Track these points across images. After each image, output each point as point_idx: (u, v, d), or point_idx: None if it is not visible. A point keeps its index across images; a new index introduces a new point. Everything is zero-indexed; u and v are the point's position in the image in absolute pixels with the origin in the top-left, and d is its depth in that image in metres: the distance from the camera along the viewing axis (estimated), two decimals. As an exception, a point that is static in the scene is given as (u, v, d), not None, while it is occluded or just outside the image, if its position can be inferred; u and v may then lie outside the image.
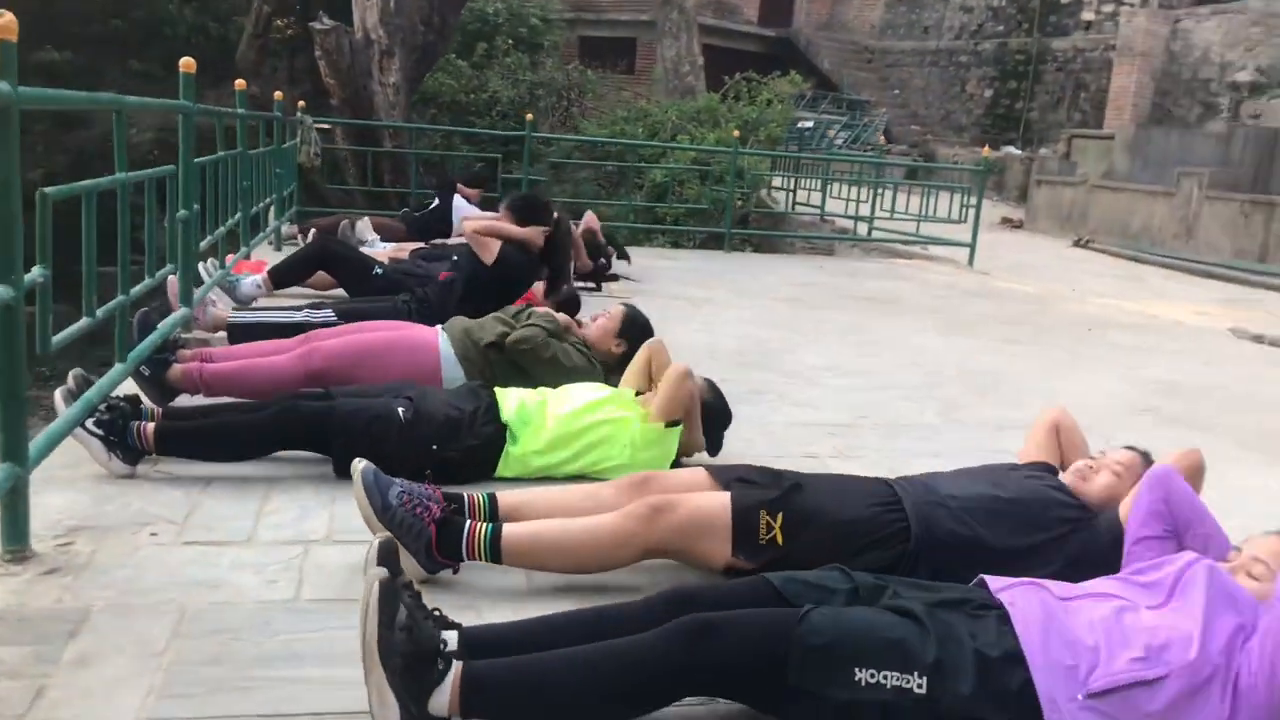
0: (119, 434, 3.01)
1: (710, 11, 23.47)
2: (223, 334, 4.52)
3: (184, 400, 3.66)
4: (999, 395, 4.98)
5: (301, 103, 9.01)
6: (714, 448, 3.49)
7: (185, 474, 3.08)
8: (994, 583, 1.99)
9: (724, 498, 2.53)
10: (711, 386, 3.51)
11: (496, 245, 4.90)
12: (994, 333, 6.80)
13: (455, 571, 2.49)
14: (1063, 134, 19.48)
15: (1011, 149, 20.73)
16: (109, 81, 17.80)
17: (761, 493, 2.54)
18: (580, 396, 3.34)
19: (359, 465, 2.52)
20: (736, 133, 10.75)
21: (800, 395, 4.69)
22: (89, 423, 2.98)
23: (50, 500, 2.79)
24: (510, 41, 17.83)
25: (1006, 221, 16.42)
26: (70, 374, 3.19)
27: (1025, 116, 22.10)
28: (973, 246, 10.79)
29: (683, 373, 3.24)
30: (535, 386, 3.52)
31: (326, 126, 9.69)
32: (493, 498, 2.66)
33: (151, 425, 3.06)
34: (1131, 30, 19.55)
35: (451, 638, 1.85)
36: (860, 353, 5.81)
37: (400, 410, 3.13)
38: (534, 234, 4.93)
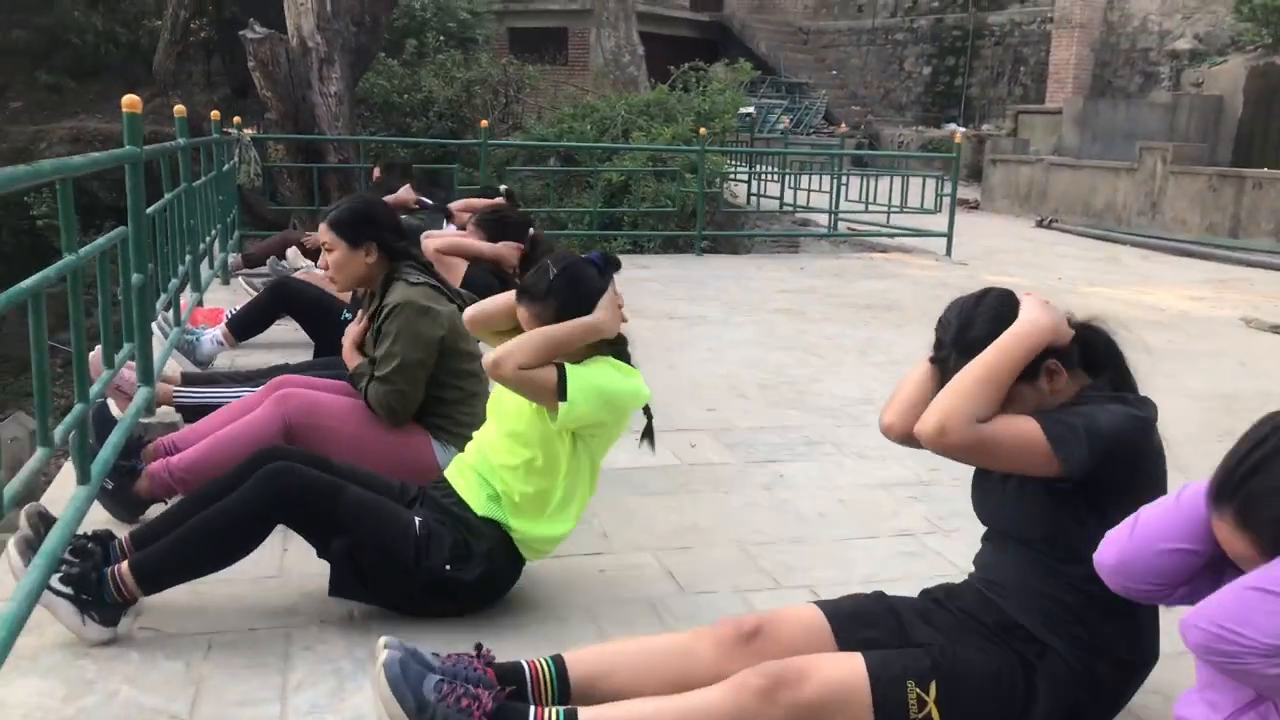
0: (93, 590, 2.37)
1: (643, -2, 22.89)
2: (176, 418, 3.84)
3: (156, 510, 3.03)
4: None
5: (237, 119, 8.24)
6: (612, 269, 2.62)
7: (178, 629, 2.46)
8: None
9: (857, 663, 1.96)
10: (534, 291, 2.56)
11: (463, 266, 4.29)
12: (1015, 341, 6.36)
13: None
14: (1008, 110, 19.30)
15: (954, 125, 20.51)
16: (13, 95, 16.68)
17: (903, 655, 2.00)
18: (506, 426, 2.64)
19: (382, 655, 1.93)
20: (703, 130, 10.18)
21: (856, 443, 4.18)
22: (55, 580, 2.34)
23: (9, 695, 2.15)
24: (441, 37, 17.06)
25: (963, 203, 16.11)
26: (23, 512, 2.55)
27: (965, 93, 21.92)
28: (950, 238, 10.42)
29: (491, 366, 2.48)
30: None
31: (251, 135, 8.89)
32: (560, 666, 2.07)
33: (124, 565, 2.42)
34: (1068, 2, 19.43)
35: None
36: (891, 376, 5.31)
37: (417, 521, 2.54)
38: (507, 251, 4.30)
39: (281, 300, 4.99)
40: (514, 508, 2.59)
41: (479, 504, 2.61)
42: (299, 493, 2.46)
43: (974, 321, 2.08)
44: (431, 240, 4.48)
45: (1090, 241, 12.59)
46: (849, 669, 1.96)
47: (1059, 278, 9.38)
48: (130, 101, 3.50)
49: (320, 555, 2.55)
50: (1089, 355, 2.11)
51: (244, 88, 12.22)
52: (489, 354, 2.51)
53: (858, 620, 2.17)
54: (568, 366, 2.47)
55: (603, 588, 2.83)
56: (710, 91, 13.96)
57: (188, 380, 4.17)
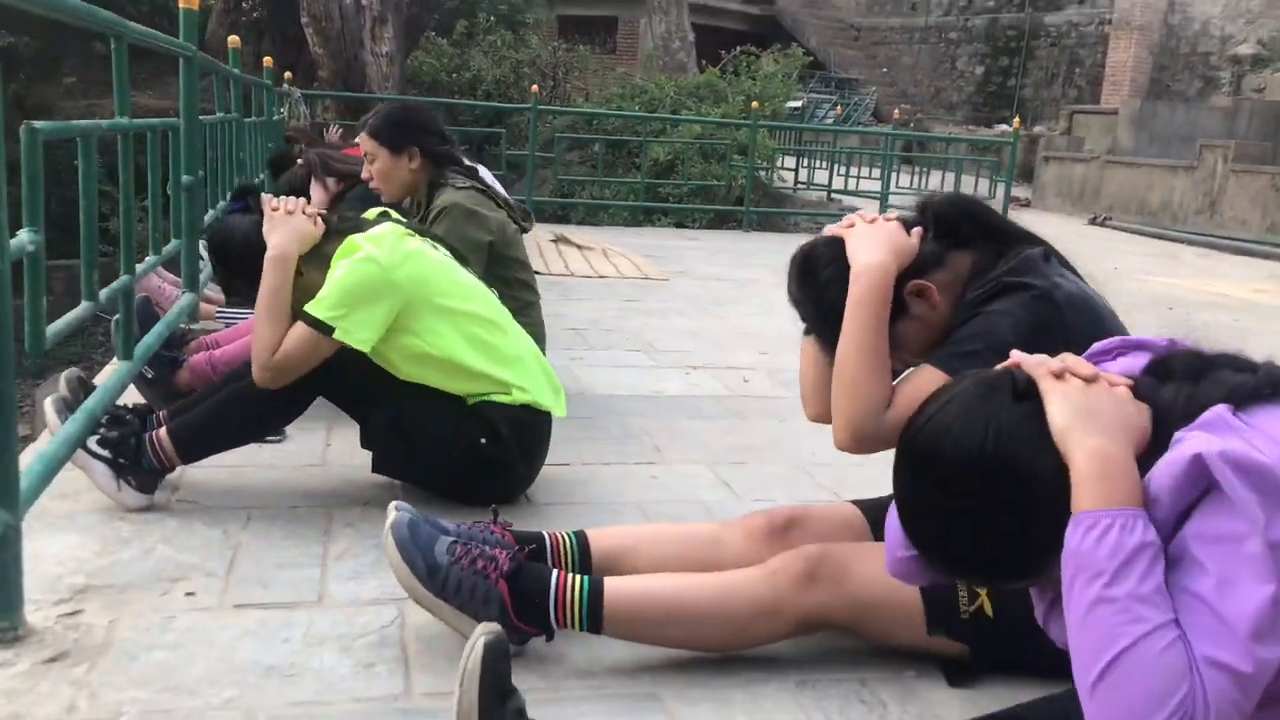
0: (130, 454, 2.29)
1: (694, -12, 22.76)
2: (217, 325, 3.80)
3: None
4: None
5: (288, 74, 8.21)
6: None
7: (217, 503, 2.37)
8: None
9: None
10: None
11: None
12: (1074, 313, 6.18)
13: (550, 639, 1.78)
14: (1061, 110, 18.98)
15: (1005, 126, 20.22)
16: (68, 70, 16.84)
17: None
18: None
19: (390, 516, 1.80)
20: (756, 104, 10.04)
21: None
22: (91, 442, 2.26)
23: (44, 548, 2.07)
24: (491, 19, 17.04)
25: (1015, 200, 15.86)
26: (63, 376, 2.49)
27: (1019, 94, 21.61)
28: (1002, 223, 10.20)
29: (262, 377, 2.32)
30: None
31: (300, 91, 8.81)
32: (583, 539, 1.94)
33: (163, 431, 2.33)
34: (1129, 3, 19.10)
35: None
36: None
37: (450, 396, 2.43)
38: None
39: None
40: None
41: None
42: (338, 369, 2.35)
43: (822, 290, 1.82)
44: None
45: (1145, 240, 12.30)
46: None
47: (1115, 267, 9.15)
48: (189, -3, 3.43)
49: (362, 437, 2.46)
50: (952, 237, 1.81)
51: (295, 67, 12.27)
52: (254, 375, 2.31)
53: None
54: (306, 310, 2.27)
55: (657, 489, 2.72)
56: (761, 77, 13.80)
57: (230, 304, 4.13)
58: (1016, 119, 12.04)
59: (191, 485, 2.46)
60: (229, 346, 3.09)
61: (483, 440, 2.39)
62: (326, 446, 2.82)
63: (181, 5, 3.44)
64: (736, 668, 1.80)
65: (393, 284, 2.29)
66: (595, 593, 1.73)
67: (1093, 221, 13.65)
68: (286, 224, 2.34)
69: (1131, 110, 16.15)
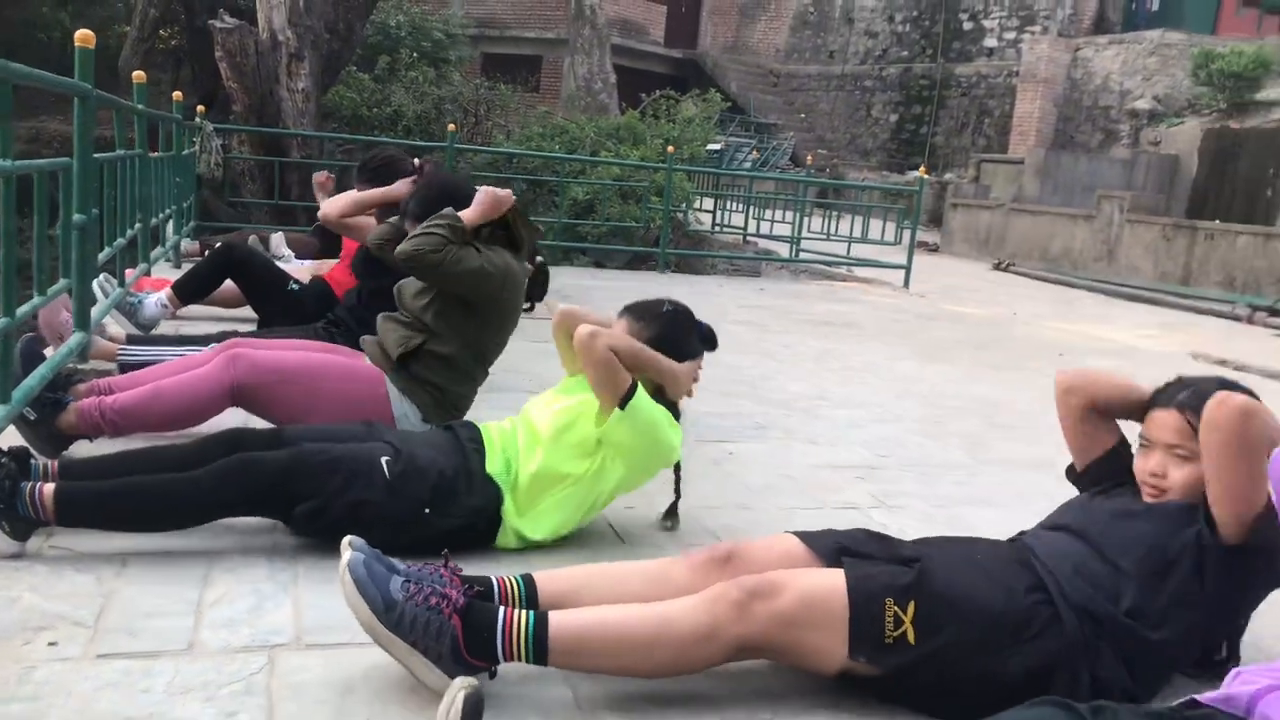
0: (5, 500, 2.26)
1: (618, 31, 23.06)
2: (112, 367, 3.75)
3: (82, 448, 2.92)
4: (1014, 429, 4.52)
5: (201, 107, 8.15)
6: (707, 346, 2.76)
7: (92, 549, 2.34)
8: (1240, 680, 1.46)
9: (836, 578, 1.93)
10: (643, 310, 2.69)
11: (371, 222, 3.97)
12: (971, 358, 6.39)
13: (492, 676, 1.85)
14: (970, 159, 19.61)
15: (916, 174, 20.82)
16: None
17: (884, 573, 1.95)
18: (555, 416, 2.62)
19: (346, 555, 1.85)
20: (671, 148, 10.23)
21: (807, 431, 4.14)
22: (-38, 486, 2.23)
23: (-95, 596, 2.04)
24: (414, 55, 17.07)
25: (922, 245, 16.31)
26: (-66, 420, 2.44)
27: (930, 141, 22.26)
28: (908, 269, 10.51)
29: (586, 335, 2.44)
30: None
31: (222, 143, 8.76)
32: (529, 582, 2.02)
33: (49, 487, 2.31)
34: (1034, 57, 19.85)
35: None
36: (845, 380, 5.30)
37: (385, 461, 2.44)
38: (400, 188, 3.92)
39: (229, 264, 4.85)
40: (513, 486, 2.55)
41: (491, 462, 2.56)
42: (264, 488, 2.37)
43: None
44: (331, 206, 4.26)
45: (1046, 285, 12.76)
46: (827, 582, 1.91)
47: (1014, 312, 9.48)
48: (83, 36, 3.43)
49: (279, 519, 2.46)
50: None
51: (213, 98, 12.12)
52: (585, 327, 2.47)
53: (839, 538, 2.13)
54: (640, 388, 2.49)
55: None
56: (680, 120, 14.05)
57: (133, 340, 4.06)
58: (923, 168, 12.42)
59: (65, 531, 2.43)
60: (123, 395, 3.01)
61: (426, 510, 2.42)
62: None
63: (78, 44, 3.43)
64: (599, 715, 1.85)
65: (654, 460, 2.65)
66: (540, 625, 1.82)
67: (997, 267, 14.10)
68: (690, 379, 2.72)
69: (1036, 160, 16.77)
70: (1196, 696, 1.62)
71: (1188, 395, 2.13)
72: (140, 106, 5.12)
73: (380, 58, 16.29)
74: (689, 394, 2.71)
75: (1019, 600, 1.95)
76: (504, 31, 22.90)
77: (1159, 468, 2.13)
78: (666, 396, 2.65)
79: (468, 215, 3.10)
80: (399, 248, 3.05)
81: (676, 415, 2.68)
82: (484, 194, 3.14)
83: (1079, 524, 2.17)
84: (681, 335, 2.66)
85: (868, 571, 1.95)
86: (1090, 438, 2.34)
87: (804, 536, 2.14)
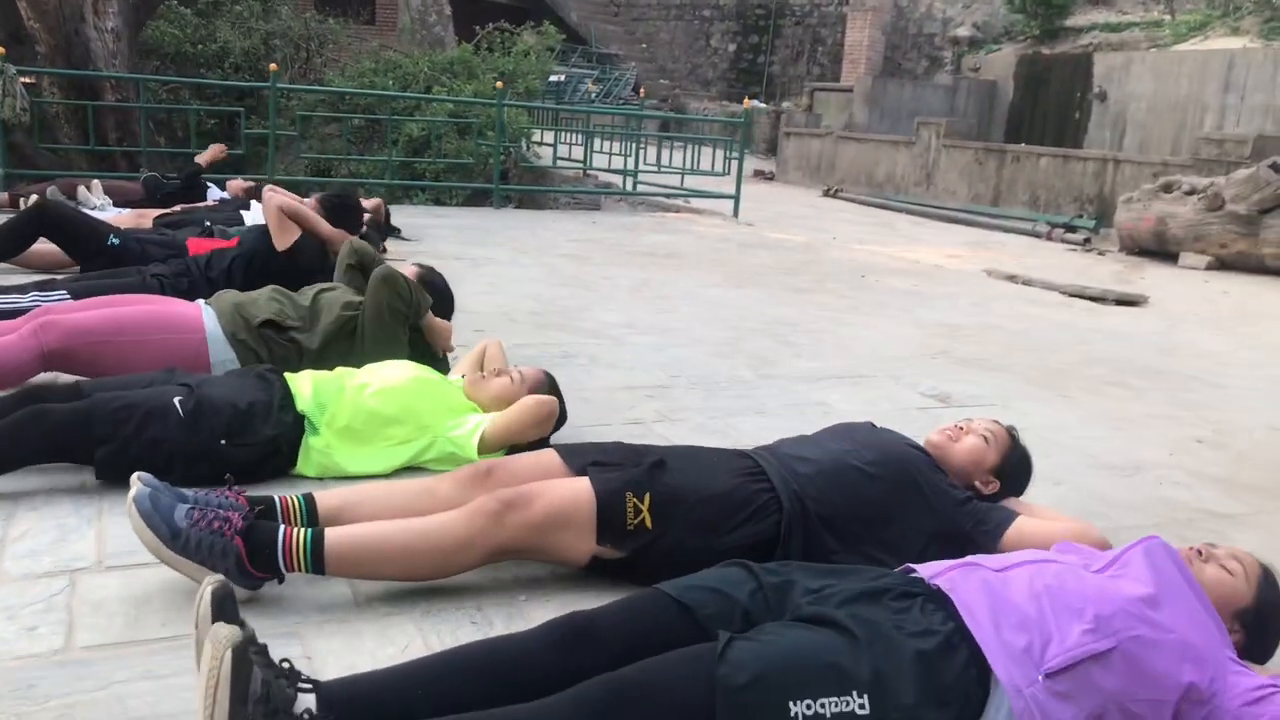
0: None
1: (454, -40, 22.61)
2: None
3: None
4: (802, 346, 4.94)
5: (0, 49, 7.82)
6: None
7: (-103, 497, 2.48)
8: (926, 569, 1.82)
9: (583, 484, 2.24)
10: (550, 384, 3.07)
11: (296, 234, 4.25)
12: (779, 282, 6.83)
13: (281, 581, 2.10)
14: (804, 86, 20.17)
15: (757, 103, 21.30)
16: None
17: (623, 473, 2.28)
18: (394, 374, 2.94)
19: (133, 489, 2.06)
20: (500, 84, 10.31)
21: (610, 356, 4.46)
22: None
23: None
24: (239, -13, 16.47)
25: (759, 174, 16.83)
26: None
27: (768, 70, 22.75)
28: (737, 199, 10.92)
29: (545, 415, 2.84)
30: (332, 367, 3.09)
31: (31, 81, 8.46)
32: (309, 500, 2.27)
33: None
34: (863, -14, 20.44)
35: (309, 701, 1.48)
36: (657, 309, 5.64)
37: (178, 401, 2.63)
38: (340, 238, 4.23)
39: (42, 223, 4.84)
40: (332, 426, 2.78)
41: (303, 400, 2.78)
42: (61, 435, 2.53)
43: None
44: (275, 195, 4.38)
45: (870, 209, 13.41)
46: (575, 488, 2.23)
47: (833, 237, 10.01)
48: None
49: (99, 475, 2.61)
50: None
51: (20, 34, 11.51)
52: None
53: (589, 450, 2.45)
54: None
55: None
56: (515, 54, 14.04)
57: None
58: (746, 99, 12.81)
59: None
60: None
61: (222, 441, 2.62)
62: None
63: None
64: (374, 606, 2.13)
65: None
66: (317, 540, 2.06)
67: (826, 193, 14.71)
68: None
69: (864, 88, 17.41)
70: (912, 564, 1.96)
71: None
72: (-71, 55, 4.97)
73: (203, -10, 15.67)
74: (450, 349, 3.04)
75: (739, 485, 2.30)
76: (335, -38, 22.15)
77: (964, 425, 2.54)
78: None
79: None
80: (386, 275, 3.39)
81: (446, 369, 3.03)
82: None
83: (817, 434, 2.57)
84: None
85: (608, 475, 2.28)
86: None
87: (561, 451, 2.45)
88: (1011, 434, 2.58)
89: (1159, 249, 9.65)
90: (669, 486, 2.26)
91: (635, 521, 2.21)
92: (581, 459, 2.40)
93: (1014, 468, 2.53)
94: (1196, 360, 5.40)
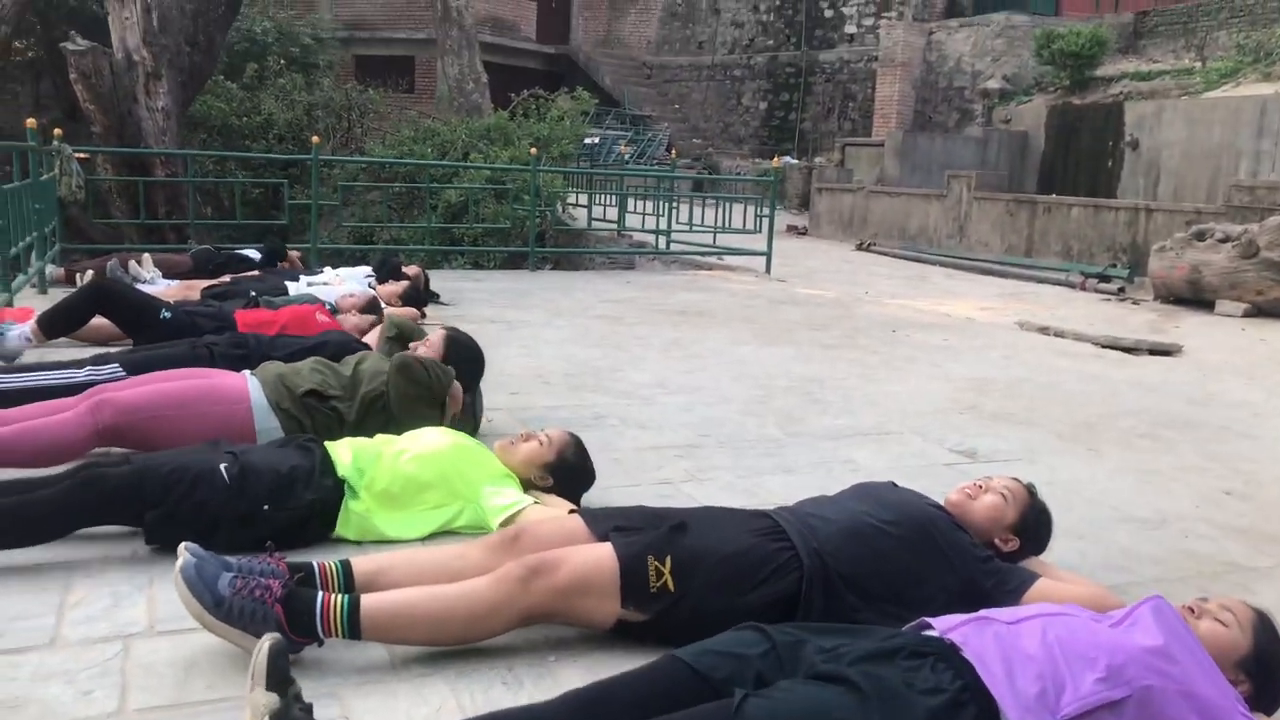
0: None
1: (489, 29, 23.23)
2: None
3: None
4: (830, 403, 5.01)
5: (58, 131, 8.18)
6: (574, 502, 3.19)
7: (-39, 567, 2.62)
8: (940, 623, 1.89)
9: (606, 550, 2.34)
10: (576, 446, 3.17)
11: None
12: (809, 338, 6.91)
13: (320, 645, 2.20)
14: (836, 142, 20.37)
15: (789, 159, 21.53)
16: None
17: (644, 537, 2.37)
18: (431, 441, 3.06)
19: (180, 559, 2.18)
20: (534, 150, 10.57)
21: (640, 416, 4.56)
22: None
23: None
24: (283, 61, 17.03)
25: (792, 229, 16.98)
26: None
27: (799, 127, 23.01)
28: (769, 255, 11.05)
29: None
30: (372, 435, 3.22)
31: (85, 156, 8.83)
32: (347, 565, 2.38)
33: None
34: (891, 42, 20.70)
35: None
36: (688, 368, 5.75)
37: (224, 467, 2.77)
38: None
39: (99, 301, 5.04)
40: (371, 490, 2.90)
41: (343, 466, 2.91)
42: (113, 497, 2.66)
43: None
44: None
45: (903, 262, 13.48)
46: (598, 553, 2.33)
47: (866, 292, 10.08)
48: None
49: (149, 540, 2.74)
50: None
51: (76, 111, 12.02)
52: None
53: (612, 515, 2.55)
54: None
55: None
56: (550, 119, 14.38)
57: (4, 371, 4.22)
58: (776, 158, 12.98)
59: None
60: None
61: (265, 506, 2.75)
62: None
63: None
64: (410, 667, 2.22)
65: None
66: (353, 607, 2.17)
67: (859, 247, 14.80)
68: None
69: (895, 142, 17.56)
70: (928, 618, 2.02)
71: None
72: (-8, 142, 5.24)
73: (248, 65, 16.23)
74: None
75: (758, 544, 2.38)
76: (374, 33, 22.87)
77: (982, 483, 2.62)
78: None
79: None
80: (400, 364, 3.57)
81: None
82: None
83: (837, 494, 2.65)
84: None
85: (630, 539, 2.37)
86: None
87: (585, 516, 2.55)
88: (1030, 491, 2.63)
89: (1194, 297, 9.62)
90: (689, 548, 2.34)
91: (658, 584, 2.29)
92: (604, 524, 2.49)
93: (1033, 524, 2.59)
94: (1229, 410, 5.40)
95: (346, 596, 2.21)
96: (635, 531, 2.42)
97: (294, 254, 8.02)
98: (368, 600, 2.20)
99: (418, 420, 3.43)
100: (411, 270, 7.26)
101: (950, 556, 2.40)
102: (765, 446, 4.19)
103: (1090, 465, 4.19)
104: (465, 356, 3.87)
